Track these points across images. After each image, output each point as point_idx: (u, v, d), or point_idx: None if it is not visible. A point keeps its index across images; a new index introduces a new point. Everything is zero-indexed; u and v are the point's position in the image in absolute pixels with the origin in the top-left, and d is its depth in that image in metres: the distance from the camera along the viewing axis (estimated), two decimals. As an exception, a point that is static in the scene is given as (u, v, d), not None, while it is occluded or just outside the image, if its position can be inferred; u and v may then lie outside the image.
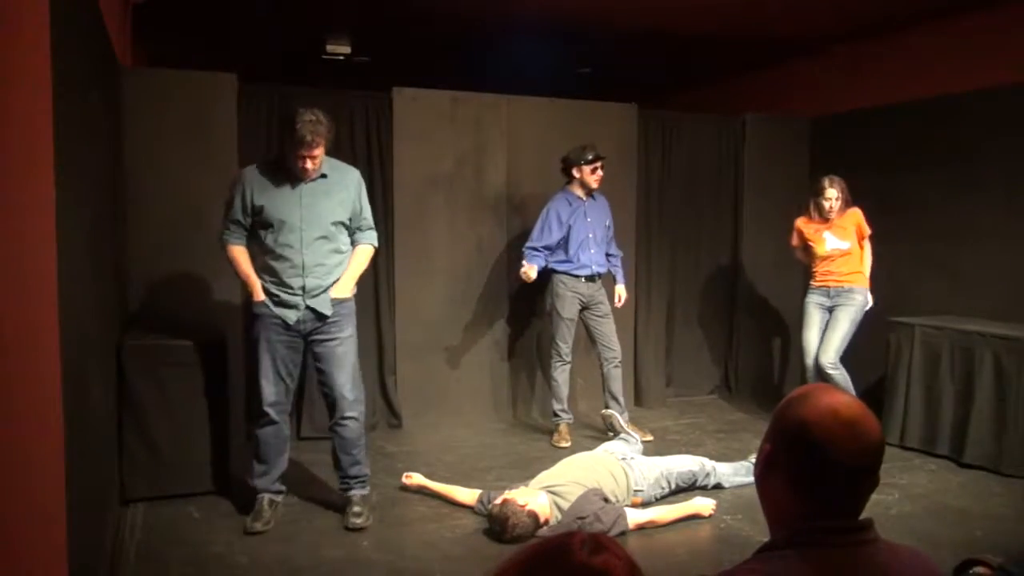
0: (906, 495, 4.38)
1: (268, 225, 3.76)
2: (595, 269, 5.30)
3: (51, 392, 2.07)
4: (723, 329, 6.77)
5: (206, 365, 4.23)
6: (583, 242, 5.24)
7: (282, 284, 3.79)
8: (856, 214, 5.30)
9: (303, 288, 3.79)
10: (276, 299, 3.80)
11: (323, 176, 3.83)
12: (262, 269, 3.83)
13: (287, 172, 3.77)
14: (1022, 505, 4.26)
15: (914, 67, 6.02)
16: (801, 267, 6.64)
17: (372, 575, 3.44)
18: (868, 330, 5.40)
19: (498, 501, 3.79)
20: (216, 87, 5.00)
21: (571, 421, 5.41)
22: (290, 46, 7.22)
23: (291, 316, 3.81)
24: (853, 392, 4.87)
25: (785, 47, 6.76)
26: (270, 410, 3.87)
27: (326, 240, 3.82)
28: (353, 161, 5.37)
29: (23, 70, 1.83)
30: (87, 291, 2.84)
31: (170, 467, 4.13)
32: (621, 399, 5.35)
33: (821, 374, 5.25)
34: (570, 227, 5.22)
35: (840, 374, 5.22)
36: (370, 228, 4.02)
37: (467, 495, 4.16)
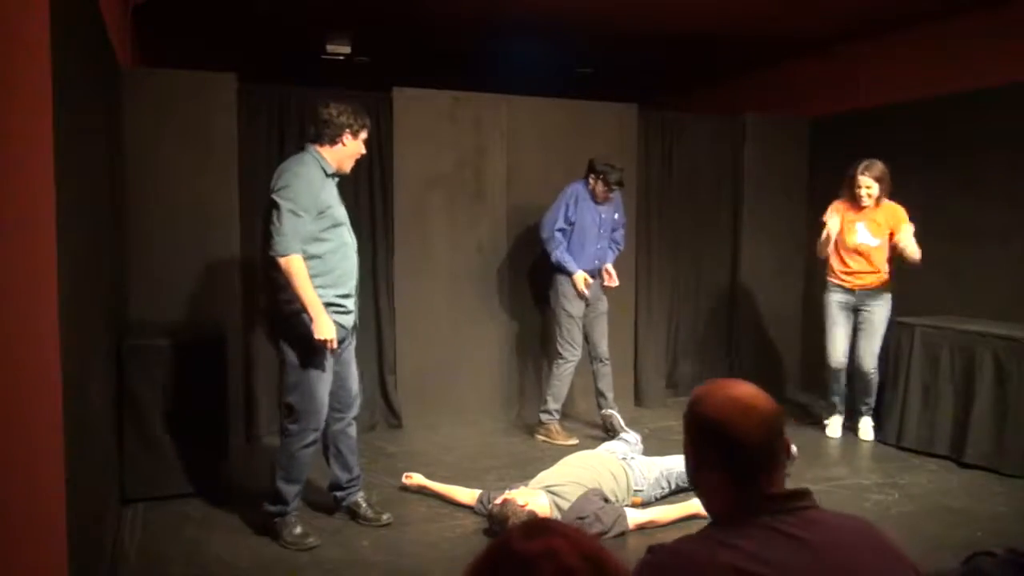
0: (906, 495, 4.38)
1: (331, 226, 3.58)
2: (596, 263, 5.36)
3: (51, 392, 2.07)
4: (723, 329, 6.77)
5: (206, 365, 4.23)
6: (589, 233, 5.30)
7: (345, 288, 3.64)
8: (893, 210, 5.04)
9: (355, 288, 3.71)
10: (341, 308, 3.62)
11: None
12: (319, 277, 3.55)
13: (323, 169, 3.63)
14: (1023, 505, 4.26)
15: (914, 67, 6.02)
16: (800, 266, 6.66)
17: (372, 575, 3.45)
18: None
19: (498, 501, 3.79)
20: (216, 87, 5.00)
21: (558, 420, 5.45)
22: (290, 46, 7.22)
23: (349, 321, 3.69)
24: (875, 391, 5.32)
25: (785, 47, 6.76)
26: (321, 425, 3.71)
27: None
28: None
29: (23, 71, 1.83)
30: (87, 291, 2.84)
31: (170, 467, 4.13)
32: (609, 395, 5.41)
33: (857, 375, 5.32)
34: (580, 213, 5.28)
35: (877, 375, 5.29)
36: None
37: (467, 495, 4.16)
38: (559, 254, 5.28)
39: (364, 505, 3.93)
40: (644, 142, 6.35)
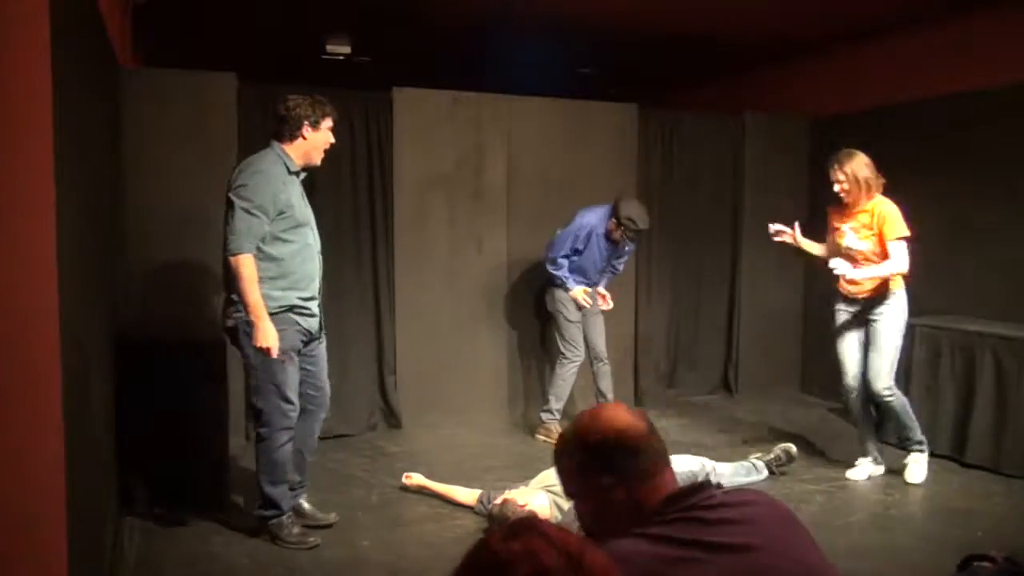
0: (906, 495, 4.38)
1: (293, 226, 3.51)
2: (592, 284, 5.44)
3: (51, 394, 2.07)
4: (723, 329, 6.77)
5: (205, 365, 4.22)
6: (593, 265, 5.35)
7: (308, 291, 3.58)
8: (881, 214, 4.28)
9: (319, 290, 3.67)
10: (305, 311, 3.57)
11: None
12: (280, 280, 3.49)
13: (286, 167, 3.55)
14: (1023, 505, 4.26)
15: (914, 67, 6.02)
16: (800, 266, 6.65)
17: (372, 575, 3.44)
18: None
19: (498, 501, 3.79)
20: (216, 87, 5.00)
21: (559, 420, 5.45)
22: (290, 46, 7.21)
23: (314, 324, 3.64)
24: (912, 415, 4.50)
25: (785, 47, 6.75)
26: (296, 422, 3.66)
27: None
28: (353, 161, 5.42)
29: (23, 70, 1.83)
30: (87, 291, 2.84)
31: (170, 469, 4.12)
32: (610, 395, 5.43)
33: (874, 400, 4.50)
34: (589, 247, 5.28)
35: (896, 399, 4.43)
36: None
37: (467, 495, 4.16)
38: (560, 274, 5.30)
39: (307, 507, 3.88)
40: (644, 142, 6.35)
